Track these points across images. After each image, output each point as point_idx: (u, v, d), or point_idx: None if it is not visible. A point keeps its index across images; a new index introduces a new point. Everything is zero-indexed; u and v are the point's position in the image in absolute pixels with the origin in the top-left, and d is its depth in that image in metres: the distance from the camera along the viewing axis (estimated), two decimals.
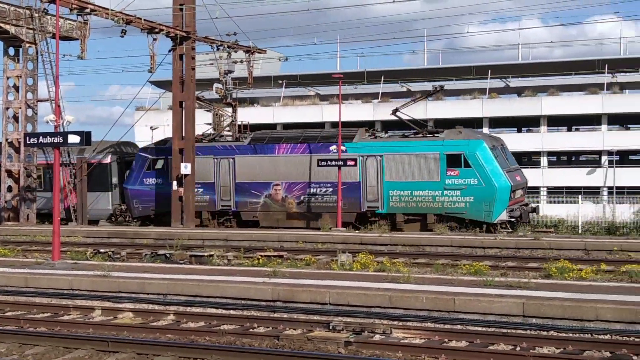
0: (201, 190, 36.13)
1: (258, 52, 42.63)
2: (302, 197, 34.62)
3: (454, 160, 32.22)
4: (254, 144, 35.75)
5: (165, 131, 56.00)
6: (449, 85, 66.24)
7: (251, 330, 14.42)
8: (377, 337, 13.64)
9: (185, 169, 35.54)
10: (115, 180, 39.71)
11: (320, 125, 65.43)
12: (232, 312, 16.20)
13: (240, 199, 35.60)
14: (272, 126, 66.28)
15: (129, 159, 40.25)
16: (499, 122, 63.09)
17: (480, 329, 14.13)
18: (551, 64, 65.44)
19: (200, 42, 38.75)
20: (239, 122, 40.12)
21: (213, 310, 16.37)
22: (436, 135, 33.51)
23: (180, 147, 36.33)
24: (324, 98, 67.77)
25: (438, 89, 35.27)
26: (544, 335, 13.47)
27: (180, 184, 35.88)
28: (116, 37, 34.80)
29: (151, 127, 58.95)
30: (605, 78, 60.00)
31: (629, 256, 24.54)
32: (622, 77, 60.36)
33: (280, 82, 68.13)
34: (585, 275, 18.82)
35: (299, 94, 69.63)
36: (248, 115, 47.71)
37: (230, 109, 40.06)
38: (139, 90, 60.69)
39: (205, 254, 24.31)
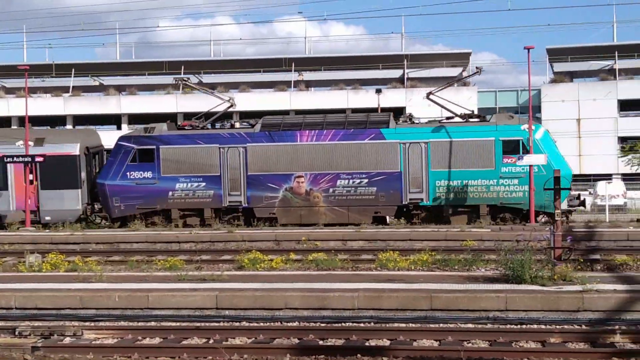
0: (203, 184, 31.37)
1: None
2: (330, 190, 30.75)
3: (511, 147, 29.71)
4: (268, 130, 31.36)
5: None
6: (142, 80, 65.79)
7: None
8: (67, 340, 13.15)
9: None
10: (83, 175, 33.11)
11: (7, 120, 61.93)
12: None
13: (254, 193, 31.16)
14: None
15: (95, 150, 34.30)
16: (193, 117, 63.60)
17: (174, 324, 14.15)
18: (243, 61, 67.21)
19: None
20: None
21: None
22: (485, 120, 30.86)
23: None
24: (9, 91, 64.17)
25: (479, 70, 31.96)
26: (236, 327, 13.79)
27: None
28: None
29: None
30: (292, 76, 62.89)
31: (316, 245, 25.86)
32: (308, 75, 63.58)
33: None
34: (275, 265, 19.52)
35: None
36: None
37: None
38: None
39: None
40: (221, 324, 14.07)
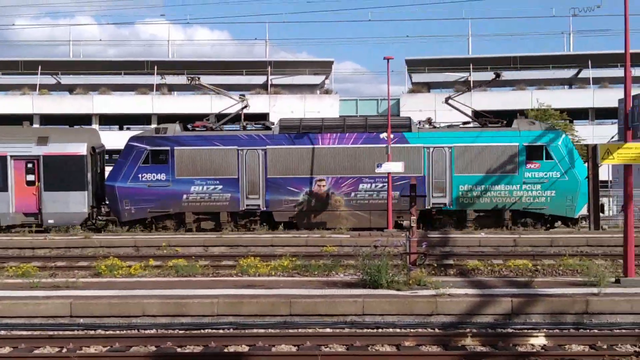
0: (220, 187, 30.23)
1: None
2: (352, 194, 30.24)
3: (534, 153, 29.81)
4: (288, 133, 30.49)
5: None
6: None
7: None
8: None
9: None
10: (89, 176, 31.16)
11: None
12: None
13: (273, 196, 30.29)
14: None
15: (99, 151, 32.28)
16: (50, 120, 61.74)
17: (25, 333, 13.67)
18: (103, 63, 65.80)
19: None
20: None
21: None
22: (504, 125, 30.77)
23: None
24: None
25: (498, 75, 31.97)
26: (91, 335, 13.45)
27: None
28: None
29: None
30: (155, 79, 61.97)
31: (177, 251, 25.57)
32: (171, 79, 62.88)
33: None
34: (134, 272, 19.18)
35: None
36: None
37: None
38: None
39: None
40: (75, 332, 13.70)
